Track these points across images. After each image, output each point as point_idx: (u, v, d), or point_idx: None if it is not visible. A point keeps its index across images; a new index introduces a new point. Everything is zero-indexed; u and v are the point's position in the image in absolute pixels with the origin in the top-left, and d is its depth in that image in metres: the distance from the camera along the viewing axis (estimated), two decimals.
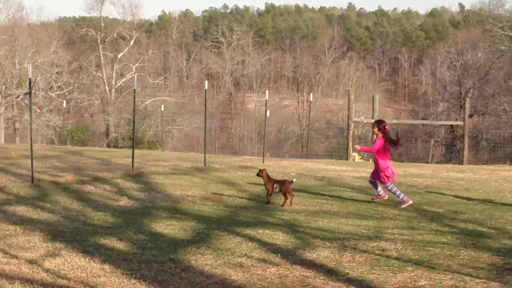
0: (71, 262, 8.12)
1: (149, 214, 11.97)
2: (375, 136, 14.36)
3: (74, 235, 9.80)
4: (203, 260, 8.53)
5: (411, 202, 13.88)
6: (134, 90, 19.28)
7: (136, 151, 24.28)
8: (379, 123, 14.17)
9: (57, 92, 62.32)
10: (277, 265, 8.38)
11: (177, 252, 8.92)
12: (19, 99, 57.77)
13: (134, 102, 19.69)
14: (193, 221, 11.29)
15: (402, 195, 14.01)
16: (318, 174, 19.53)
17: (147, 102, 68.46)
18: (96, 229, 10.31)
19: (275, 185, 13.69)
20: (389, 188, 14.09)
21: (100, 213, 11.83)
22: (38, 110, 59.81)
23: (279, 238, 10.04)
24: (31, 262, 8.05)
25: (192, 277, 7.74)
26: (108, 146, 60.20)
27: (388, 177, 14.10)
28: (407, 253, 9.07)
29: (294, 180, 14.07)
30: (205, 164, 21.07)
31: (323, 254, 9.03)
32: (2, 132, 57.29)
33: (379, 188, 14.41)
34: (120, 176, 17.07)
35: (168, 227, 10.66)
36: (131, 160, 19.14)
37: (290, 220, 11.76)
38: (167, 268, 8.06)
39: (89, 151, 29.30)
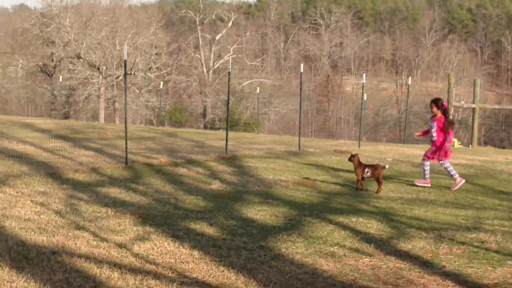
0: (160, 247, 8.03)
1: (240, 198, 11.84)
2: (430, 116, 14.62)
3: (164, 218, 9.75)
4: (294, 248, 8.32)
5: (463, 181, 14.27)
6: (229, 73, 19.16)
7: (231, 134, 24.26)
8: (437, 101, 14.29)
9: (156, 73, 62.94)
10: (370, 256, 8.10)
11: (268, 239, 8.73)
12: (119, 79, 58.62)
13: (229, 86, 19.59)
14: (285, 207, 11.09)
15: (457, 175, 14.26)
16: (415, 160, 19.03)
17: (244, 84, 68.63)
18: (187, 213, 10.23)
19: (366, 170, 13.30)
20: (446, 166, 14.27)
21: (192, 197, 11.76)
22: (137, 91, 60.69)
23: (373, 227, 9.74)
24: (120, 245, 8.01)
25: (282, 265, 7.54)
26: (205, 127, 60.62)
27: (445, 155, 14.25)
28: (507, 246, 8.64)
29: (387, 166, 13.68)
30: (299, 148, 20.85)
31: (419, 245, 8.69)
32: (102, 112, 58.39)
33: (427, 172, 14.49)
34: (214, 159, 17.04)
35: (259, 213, 10.49)
36: (225, 142, 19.08)
37: (385, 208, 11.43)
38: (257, 256, 7.88)
39: (185, 132, 29.45)
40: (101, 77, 58.37)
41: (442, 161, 14.30)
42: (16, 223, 8.84)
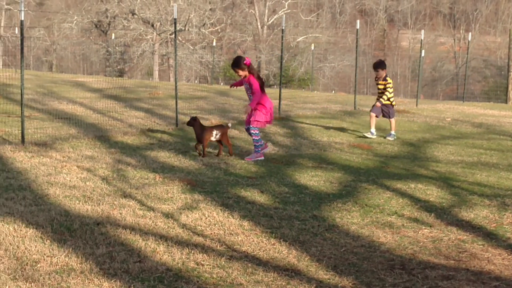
0: (209, 217, 7.74)
1: (293, 163, 11.52)
2: None
3: (214, 185, 9.46)
4: (349, 218, 8.00)
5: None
6: (282, 30, 18.72)
7: (285, 92, 23.84)
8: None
9: (210, 29, 62.57)
10: (430, 226, 7.72)
11: (321, 208, 8.41)
12: (173, 35, 58.41)
13: (283, 41, 19.14)
14: (340, 172, 10.76)
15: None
16: (476, 120, 18.42)
17: (299, 39, 67.83)
18: (237, 180, 9.94)
19: (214, 132, 11.63)
20: None
21: (243, 161, 11.47)
22: (191, 47, 60.45)
23: (433, 194, 9.32)
24: (167, 215, 7.73)
25: (337, 238, 7.23)
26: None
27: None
28: None
29: (230, 124, 12.17)
30: (355, 108, 20.38)
31: (482, 213, 8.28)
32: (157, 69, 58.33)
33: None
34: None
35: (312, 179, 10.17)
36: (278, 102, 18.69)
37: (445, 173, 10.97)
38: (310, 227, 7.58)
39: (237, 91, 29.10)
40: (155, 33, 58.23)
41: None
42: (60, 191, 8.61)
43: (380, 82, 14.85)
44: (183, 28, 55.01)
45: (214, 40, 48.96)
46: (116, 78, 30.72)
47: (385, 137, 14.68)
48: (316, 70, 60.66)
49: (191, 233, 7.12)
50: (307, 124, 16.52)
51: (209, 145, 12.03)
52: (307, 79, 52.10)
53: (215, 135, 11.60)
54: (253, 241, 6.98)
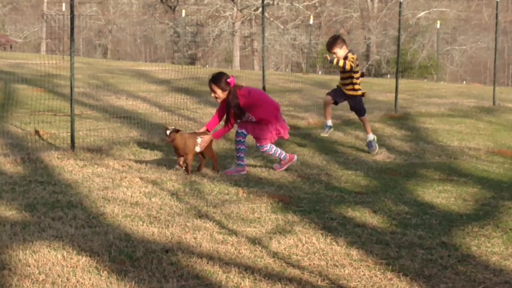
0: (307, 244, 7.78)
1: (414, 174, 11.53)
2: None
3: (312, 203, 9.50)
4: (489, 247, 7.95)
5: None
6: (400, 3, 18.65)
7: (402, 82, 23.70)
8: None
9: (306, 3, 62.78)
10: None
11: (452, 233, 8.38)
12: (258, 12, 58.73)
13: (400, 18, 19.07)
14: (476, 187, 10.73)
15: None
16: None
17: (420, 15, 67.36)
18: (343, 196, 9.97)
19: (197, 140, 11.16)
20: None
21: (349, 172, 11.53)
22: (281, 27, 60.77)
23: None
24: (253, 241, 7.79)
25: (473, 271, 7.17)
26: (368, 72, 60.11)
27: None
28: None
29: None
30: (494, 103, 20.21)
31: None
32: (237, 54, 58.56)
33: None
34: (379, 119, 16.82)
35: (440, 195, 10.17)
36: (394, 95, 18.62)
37: None
38: (437, 257, 7.54)
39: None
40: (235, 9, 58.71)
41: None
42: (119, 209, 8.78)
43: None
44: (271, 2, 55.19)
45: (311, 17, 48.93)
46: (187, 66, 30.98)
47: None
48: (442, 55, 60.18)
49: (284, 264, 7.16)
50: (432, 124, 16.53)
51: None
52: (430, 66, 51.78)
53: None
54: (364, 275, 6.98)
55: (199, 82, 22.38)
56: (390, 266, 7.18)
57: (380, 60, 62.51)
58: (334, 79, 30.66)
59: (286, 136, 11.79)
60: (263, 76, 15.68)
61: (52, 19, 61.97)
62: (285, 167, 11.48)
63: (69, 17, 12.53)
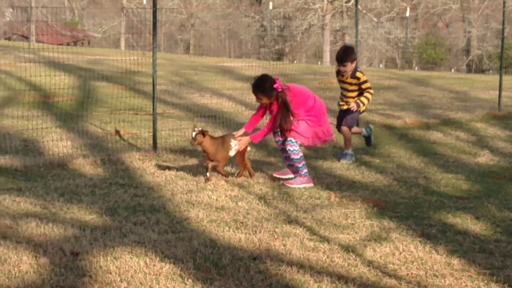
0: (404, 252, 7.74)
1: None
2: None
3: (410, 208, 9.47)
4: None
5: None
6: None
7: (506, 80, 23.39)
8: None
9: None
10: None
11: None
12: (350, 4, 58.61)
13: (504, 12, 18.83)
14: None
15: None
16: None
17: None
18: (443, 201, 9.90)
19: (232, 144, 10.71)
20: None
21: (450, 175, 11.44)
22: (374, 19, 60.53)
23: None
24: (347, 248, 7.78)
25: None
26: (469, 69, 59.49)
27: None
28: None
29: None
30: None
31: None
32: (328, 49, 58.36)
33: None
34: (481, 118, 16.66)
35: None
36: (498, 93, 18.41)
37: None
38: None
39: (440, 78, 28.96)
40: (325, 1, 58.66)
41: None
42: (204, 213, 8.84)
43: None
44: None
45: (408, 9, 48.56)
46: (274, 62, 31.00)
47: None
48: None
49: (379, 273, 7.14)
50: None
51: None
52: None
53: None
54: (466, 285, 6.92)
55: (287, 79, 22.33)
56: (495, 277, 7.11)
57: (482, 55, 61.82)
58: (432, 76, 30.52)
59: (328, 141, 11.34)
60: None
61: (132, 13, 62.58)
62: (301, 185, 10.53)
63: (150, 10, 12.60)
